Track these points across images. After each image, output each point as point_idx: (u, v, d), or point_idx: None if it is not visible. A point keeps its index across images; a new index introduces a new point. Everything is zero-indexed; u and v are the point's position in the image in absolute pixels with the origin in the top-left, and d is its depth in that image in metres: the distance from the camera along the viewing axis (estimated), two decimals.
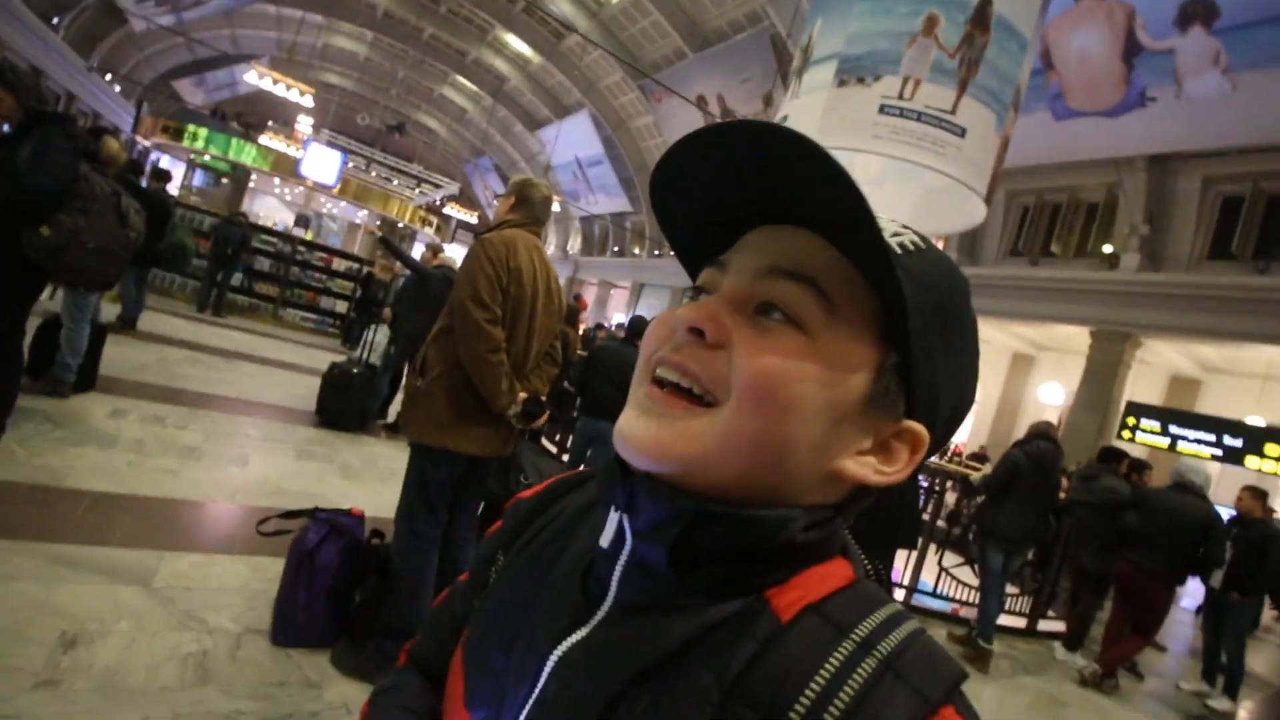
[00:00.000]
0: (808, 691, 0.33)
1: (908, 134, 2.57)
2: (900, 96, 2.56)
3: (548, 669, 0.40)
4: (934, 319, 0.40)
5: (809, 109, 2.69)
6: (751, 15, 13.59)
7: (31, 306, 2.91)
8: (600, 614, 0.41)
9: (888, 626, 0.36)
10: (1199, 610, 5.16)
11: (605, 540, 0.43)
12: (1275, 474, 8.45)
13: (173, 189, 9.52)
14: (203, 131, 17.67)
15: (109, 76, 19.79)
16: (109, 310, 5.45)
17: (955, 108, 2.58)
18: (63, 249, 2.75)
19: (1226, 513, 4.83)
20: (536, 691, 0.40)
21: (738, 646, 0.36)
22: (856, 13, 2.57)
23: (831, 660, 0.34)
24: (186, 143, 17.37)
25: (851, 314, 0.39)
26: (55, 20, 15.61)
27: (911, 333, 0.38)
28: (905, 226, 0.42)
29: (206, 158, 18.09)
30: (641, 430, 0.39)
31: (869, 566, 0.45)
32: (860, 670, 0.33)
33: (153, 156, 19.24)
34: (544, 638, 0.42)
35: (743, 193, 0.42)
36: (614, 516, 0.42)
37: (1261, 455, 8.55)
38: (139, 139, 19.25)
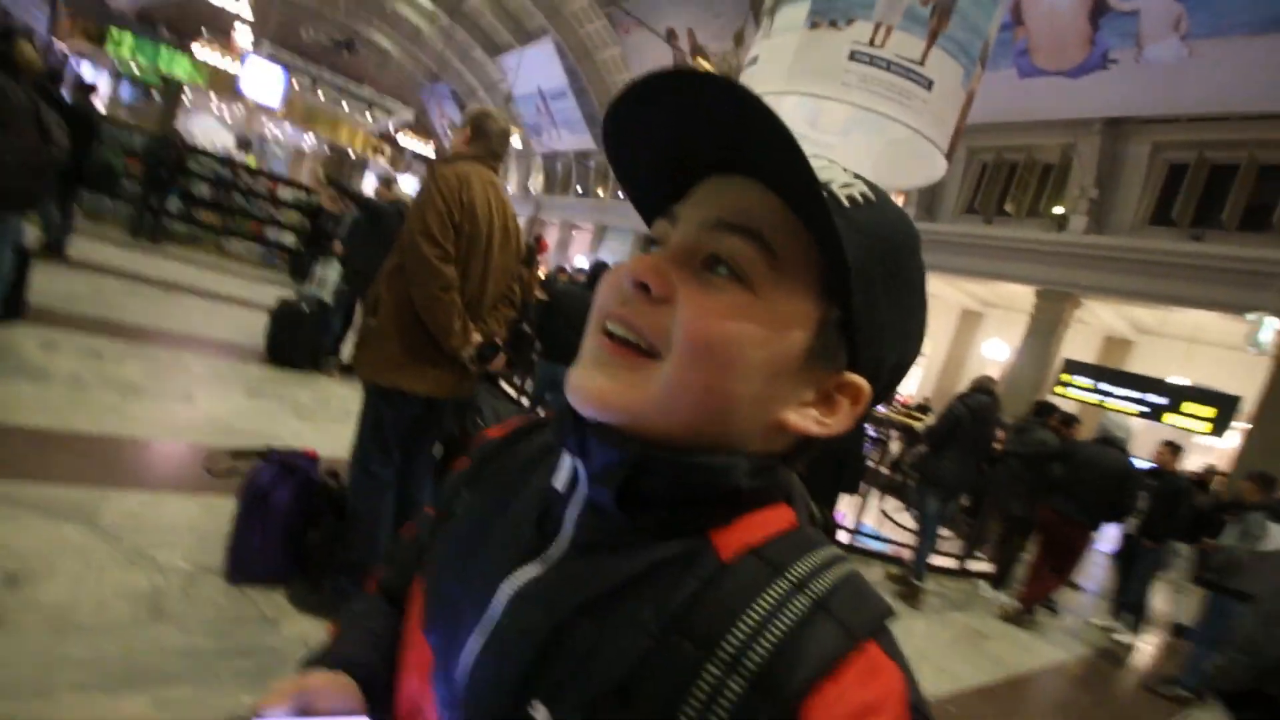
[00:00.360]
0: (741, 625, 0.35)
1: (876, 83, 2.55)
2: (871, 43, 2.53)
3: (501, 600, 0.42)
4: (880, 270, 0.40)
5: (780, 50, 2.64)
6: None
7: None
8: (554, 551, 0.43)
9: (822, 568, 0.38)
10: (1115, 555, 5.62)
11: (559, 483, 0.45)
12: (1189, 430, 9.10)
13: (98, 104, 8.76)
14: (128, 38, 16.23)
15: None
16: (33, 240, 5.08)
17: (924, 59, 2.56)
18: None
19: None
20: (489, 620, 0.42)
21: (680, 583, 0.37)
22: None
23: (766, 597, 0.36)
24: (110, 50, 15.96)
25: (795, 268, 0.40)
26: None
27: (855, 284, 0.39)
28: (858, 178, 0.42)
29: (134, 68, 16.69)
30: (589, 382, 0.41)
31: (815, 513, 0.48)
32: (792, 607, 0.35)
33: (72, 63, 17.62)
34: (499, 570, 0.44)
35: (695, 142, 0.42)
36: (568, 460, 0.44)
37: (1179, 413, 9.19)
38: (56, 43, 17.54)
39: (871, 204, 0.41)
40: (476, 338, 2.19)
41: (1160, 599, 5.73)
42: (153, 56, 16.17)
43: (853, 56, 2.44)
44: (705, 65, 9.60)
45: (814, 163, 0.42)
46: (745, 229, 0.39)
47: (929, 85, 2.51)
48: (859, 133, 2.88)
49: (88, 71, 17.15)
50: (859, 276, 0.39)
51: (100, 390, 3.45)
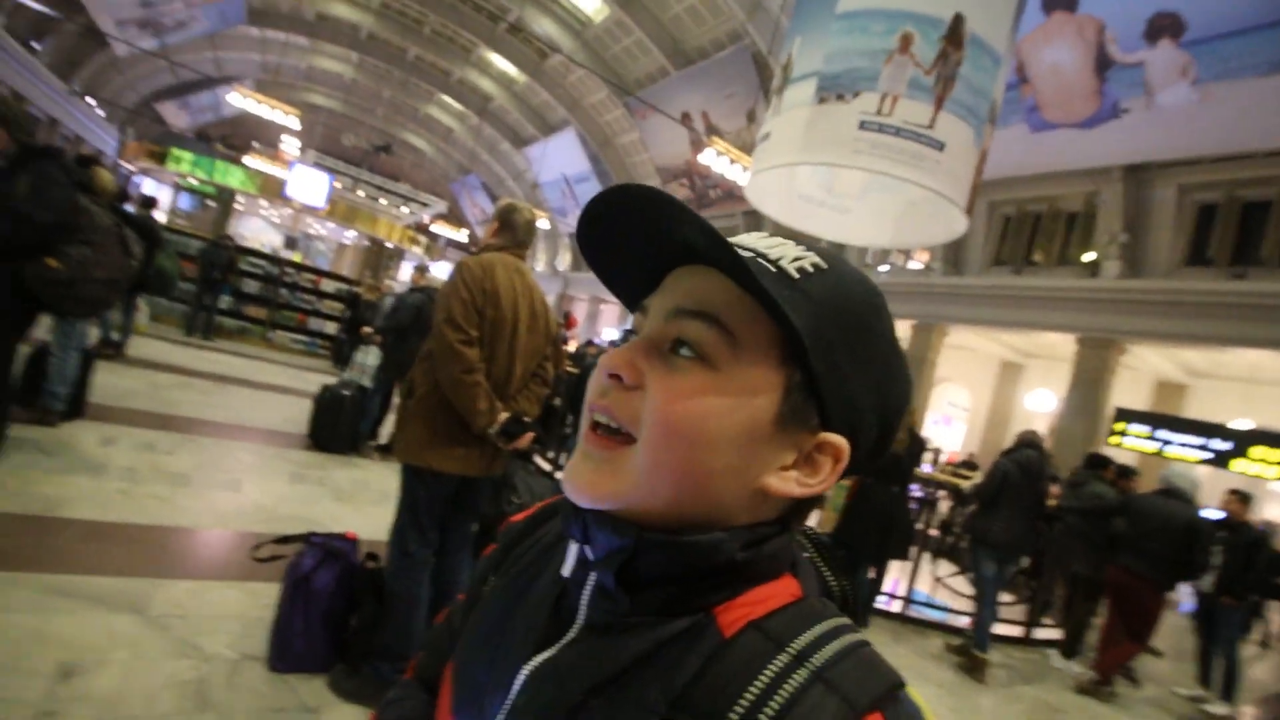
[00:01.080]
0: (741, 701, 0.35)
1: (888, 149, 2.62)
2: (879, 112, 2.61)
3: (519, 683, 0.44)
4: (837, 334, 0.42)
5: (791, 125, 2.74)
6: (732, 33, 13.79)
7: (23, 337, 2.91)
8: (569, 634, 0.44)
9: (825, 639, 0.38)
10: (1193, 615, 5.18)
11: (567, 570, 0.47)
12: (1260, 477, 8.56)
13: (158, 214, 9.48)
14: (187, 155, 17.66)
15: (91, 100, 19.74)
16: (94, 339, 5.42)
17: (933, 122, 2.63)
18: (73, 281, 2.76)
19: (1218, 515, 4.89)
20: (508, 703, 0.44)
21: (684, 661, 0.38)
22: (834, 31, 2.62)
23: (766, 672, 0.36)
24: (171, 167, 17.35)
25: (753, 342, 0.42)
26: (35, 44, 15.60)
27: (811, 351, 0.40)
28: (810, 250, 0.45)
29: (192, 181, 18.06)
30: (578, 475, 0.43)
31: (834, 583, 0.48)
32: (791, 680, 0.35)
33: (136, 181, 19.19)
34: (519, 654, 0.45)
35: (651, 246, 0.46)
36: (574, 547, 0.46)
37: (1248, 458, 8.67)
38: (123, 164, 19.19)
39: (824, 271, 0.44)
40: (503, 416, 2.23)
41: (1254, 662, 5.21)
42: (209, 170, 17.53)
43: (862, 125, 2.53)
44: (720, 143, 10.00)
45: (766, 242, 0.45)
46: (701, 313, 0.42)
47: (941, 147, 2.58)
48: (876, 195, 2.95)
49: (150, 186, 18.64)
50: (813, 340, 0.41)
51: (152, 482, 3.57)
